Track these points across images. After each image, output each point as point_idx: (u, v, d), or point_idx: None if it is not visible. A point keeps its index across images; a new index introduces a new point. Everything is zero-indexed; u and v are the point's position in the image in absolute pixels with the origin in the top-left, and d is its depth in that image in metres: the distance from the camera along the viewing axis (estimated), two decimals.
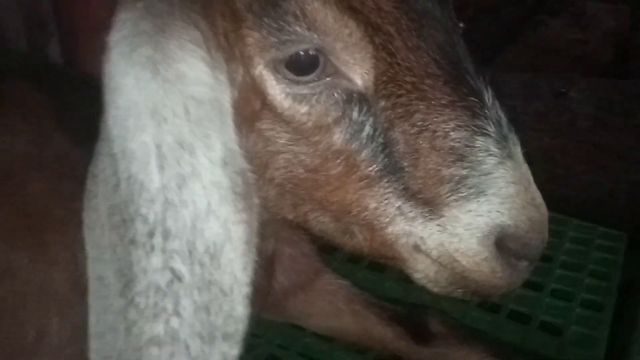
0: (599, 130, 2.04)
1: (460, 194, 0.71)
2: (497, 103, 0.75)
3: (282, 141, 0.75)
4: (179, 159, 0.66)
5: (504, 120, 0.75)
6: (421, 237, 0.75)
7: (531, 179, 0.75)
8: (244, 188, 0.70)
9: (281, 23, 0.68)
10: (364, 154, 0.73)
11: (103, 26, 0.69)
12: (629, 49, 2.71)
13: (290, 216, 0.84)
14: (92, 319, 0.72)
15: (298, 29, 0.68)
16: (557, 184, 1.91)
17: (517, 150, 0.75)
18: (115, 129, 0.66)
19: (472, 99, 0.72)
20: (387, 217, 0.75)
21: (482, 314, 1.43)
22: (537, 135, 2.06)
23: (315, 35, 0.68)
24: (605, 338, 1.36)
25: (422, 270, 0.79)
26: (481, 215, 0.72)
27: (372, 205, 0.75)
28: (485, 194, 0.71)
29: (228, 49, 0.71)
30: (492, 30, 2.84)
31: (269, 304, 1.25)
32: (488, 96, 0.74)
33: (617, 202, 1.86)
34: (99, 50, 0.68)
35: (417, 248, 0.76)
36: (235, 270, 0.70)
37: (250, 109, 0.74)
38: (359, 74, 0.71)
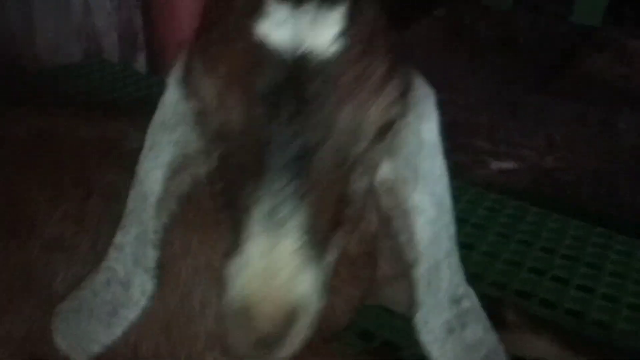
0: None
1: None
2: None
3: None
4: None
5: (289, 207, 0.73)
6: None
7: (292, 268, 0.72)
8: None
9: None
10: None
11: (184, 43, 0.94)
12: None
13: None
14: None
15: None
16: (602, 203, 2.17)
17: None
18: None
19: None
20: None
21: (542, 309, 1.70)
22: (585, 160, 2.32)
23: None
24: None
25: None
26: None
27: None
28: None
29: None
30: (539, 60, 3.10)
31: (372, 290, 1.50)
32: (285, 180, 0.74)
33: None
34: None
35: None
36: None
37: None
38: None
